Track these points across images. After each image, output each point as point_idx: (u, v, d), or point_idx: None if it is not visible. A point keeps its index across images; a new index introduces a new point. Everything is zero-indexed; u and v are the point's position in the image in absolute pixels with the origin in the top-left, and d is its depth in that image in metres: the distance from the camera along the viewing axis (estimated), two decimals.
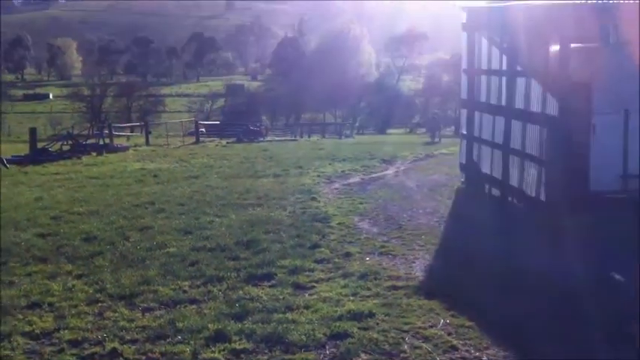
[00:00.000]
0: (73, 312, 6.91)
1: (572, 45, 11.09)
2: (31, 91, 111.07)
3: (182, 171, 18.71)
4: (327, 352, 5.89)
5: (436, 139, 32.87)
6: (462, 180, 15.00)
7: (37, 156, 22.91)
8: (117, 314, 6.84)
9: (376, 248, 9.29)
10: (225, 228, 10.55)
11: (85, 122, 59.49)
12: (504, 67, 12.70)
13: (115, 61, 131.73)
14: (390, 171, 17.99)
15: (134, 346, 6.03)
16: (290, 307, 6.88)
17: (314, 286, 7.62)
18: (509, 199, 12.57)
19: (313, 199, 13.22)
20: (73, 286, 7.77)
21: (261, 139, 35.88)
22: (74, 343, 6.12)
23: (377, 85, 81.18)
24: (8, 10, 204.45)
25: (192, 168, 19.45)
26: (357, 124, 67.23)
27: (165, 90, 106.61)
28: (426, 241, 9.70)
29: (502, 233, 9.91)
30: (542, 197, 11.13)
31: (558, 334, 6.18)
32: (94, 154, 24.63)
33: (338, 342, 6.03)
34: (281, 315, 6.65)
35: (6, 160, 20.61)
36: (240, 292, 7.42)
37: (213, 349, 5.91)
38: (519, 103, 11.96)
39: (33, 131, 26.56)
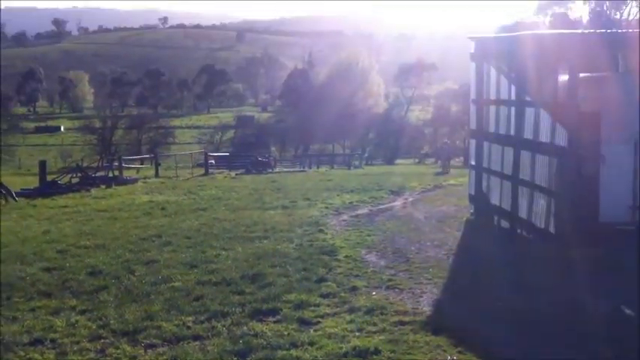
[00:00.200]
0: (75, 348, 6.83)
1: (581, 74, 11.04)
2: (42, 124, 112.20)
3: (190, 203, 18.69)
4: None
5: (445, 170, 32.74)
6: (471, 211, 14.87)
7: (47, 189, 22.97)
8: (119, 351, 6.75)
9: (383, 282, 9.16)
10: (231, 261, 10.48)
11: (95, 154, 59.92)
12: (513, 97, 12.64)
13: (127, 93, 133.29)
14: (399, 202, 17.89)
15: None
16: (294, 344, 6.76)
17: (319, 322, 7.51)
18: (519, 230, 12.43)
19: (320, 231, 13.14)
20: (77, 321, 7.69)
21: (270, 170, 35.94)
22: None
23: (386, 115, 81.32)
24: (21, 43, 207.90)
25: (200, 200, 19.43)
26: (366, 155, 67.27)
27: (176, 122, 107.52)
28: (433, 274, 9.57)
29: (511, 266, 9.80)
30: (552, 229, 10.99)
31: None
32: (103, 186, 24.64)
33: None
34: (285, 352, 6.54)
35: (15, 193, 20.67)
36: (245, 327, 7.31)
37: None
38: (528, 134, 11.87)
39: (43, 164, 26.69)
